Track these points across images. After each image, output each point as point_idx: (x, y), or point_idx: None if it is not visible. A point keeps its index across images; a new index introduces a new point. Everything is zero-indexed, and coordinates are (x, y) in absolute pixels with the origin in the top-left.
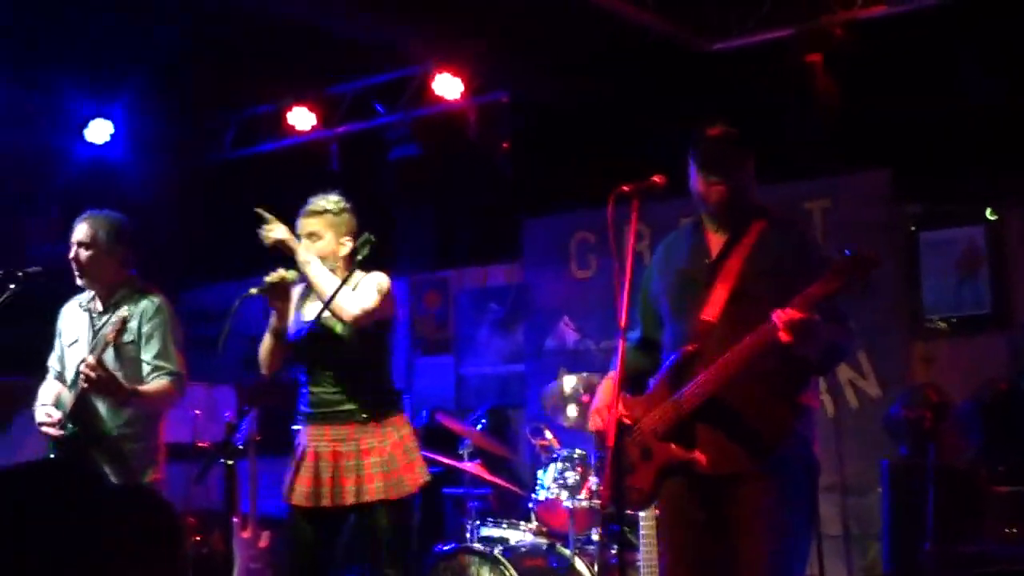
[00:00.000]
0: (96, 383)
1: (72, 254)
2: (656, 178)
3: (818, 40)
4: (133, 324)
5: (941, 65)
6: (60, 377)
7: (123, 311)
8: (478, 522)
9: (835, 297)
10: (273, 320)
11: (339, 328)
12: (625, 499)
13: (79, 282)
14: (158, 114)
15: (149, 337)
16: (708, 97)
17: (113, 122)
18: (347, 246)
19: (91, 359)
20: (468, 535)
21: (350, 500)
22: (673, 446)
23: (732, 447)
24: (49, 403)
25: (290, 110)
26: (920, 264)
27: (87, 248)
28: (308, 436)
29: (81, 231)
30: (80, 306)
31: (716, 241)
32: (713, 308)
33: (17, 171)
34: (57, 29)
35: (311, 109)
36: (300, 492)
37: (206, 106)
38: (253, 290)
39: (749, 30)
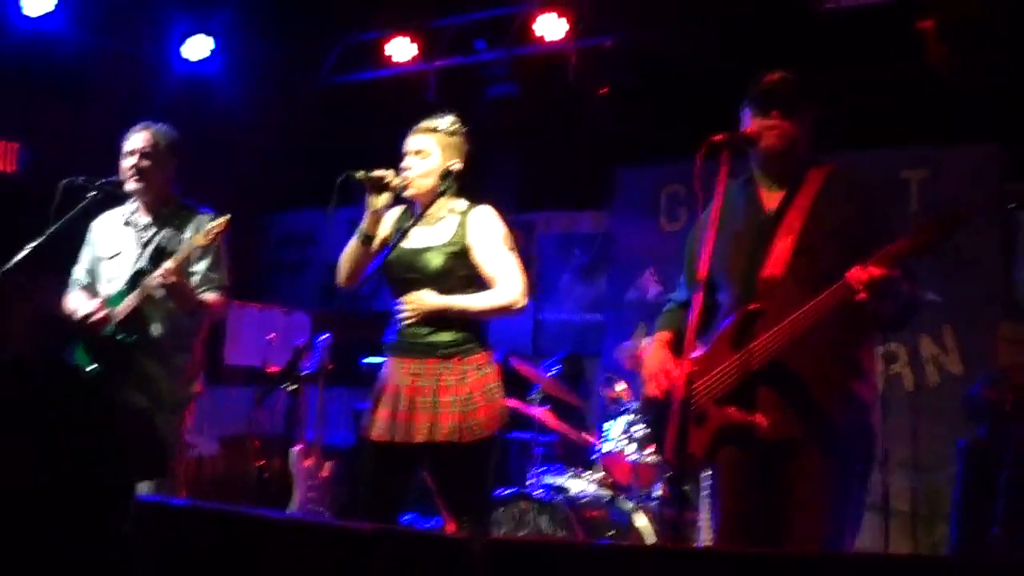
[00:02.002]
0: (174, 288)
1: (133, 162)
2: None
3: (933, 5)
4: (189, 234)
5: None
6: (88, 288)
7: (220, 220)
8: (542, 468)
9: (919, 253)
10: (364, 223)
11: (436, 261)
12: (680, 465)
13: (131, 188)
14: (258, 34)
15: (204, 250)
16: (816, 57)
17: (213, 38)
18: (456, 167)
19: (171, 265)
20: (530, 481)
21: (420, 438)
22: (733, 409)
23: (791, 411)
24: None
25: (390, 40)
26: (1016, 244)
27: (147, 158)
28: (390, 367)
29: (142, 139)
30: (121, 217)
31: (771, 197)
32: (775, 264)
33: (116, 82)
34: None
35: (412, 40)
36: (375, 424)
37: (307, 30)
38: (358, 173)
39: None
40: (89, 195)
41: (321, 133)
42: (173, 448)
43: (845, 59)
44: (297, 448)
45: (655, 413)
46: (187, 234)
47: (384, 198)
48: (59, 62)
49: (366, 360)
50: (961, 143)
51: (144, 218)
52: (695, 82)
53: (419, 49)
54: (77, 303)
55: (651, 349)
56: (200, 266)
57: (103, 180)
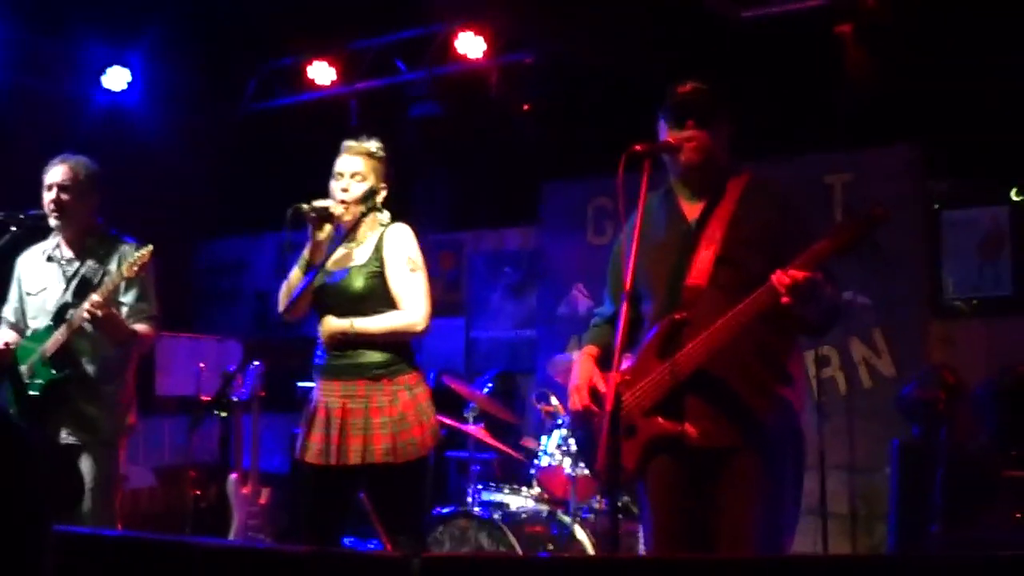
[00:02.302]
0: (103, 320)
1: (52, 196)
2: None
3: (849, 11)
4: (114, 266)
5: (973, 40)
6: (15, 326)
7: (143, 251)
8: (480, 486)
9: (839, 254)
10: (307, 253)
11: (358, 283)
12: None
13: (53, 224)
14: (177, 63)
15: (130, 281)
16: (735, 65)
17: (131, 70)
18: (383, 193)
19: (98, 298)
20: (469, 499)
21: (355, 460)
22: (661, 419)
23: (722, 419)
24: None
25: (311, 64)
26: (942, 243)
27: (66, 191)
28: (320, 390)
29: (60, 172)
30: (43, 254)
31: (692, 208)
32: (699, 274)
33: (35, 118)
34: None
35: (332, 64)
36: (309, 449)
37: (226, 57)
38: (305, 205)
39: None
40: (11, 230)
41: (246, 160)
42: (111, 482)
43: (764, 67)
44: (234, 476)
45: (581, 427)
46: (112, 266)
47: (328, 228)
48: None
49: (300, 385)
50: (881, 145)
51: (67, 252)
52: (617, 94)
53: (339, 72)
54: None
55: (577, 363)
56: (128, 297)
57: (24, 214)
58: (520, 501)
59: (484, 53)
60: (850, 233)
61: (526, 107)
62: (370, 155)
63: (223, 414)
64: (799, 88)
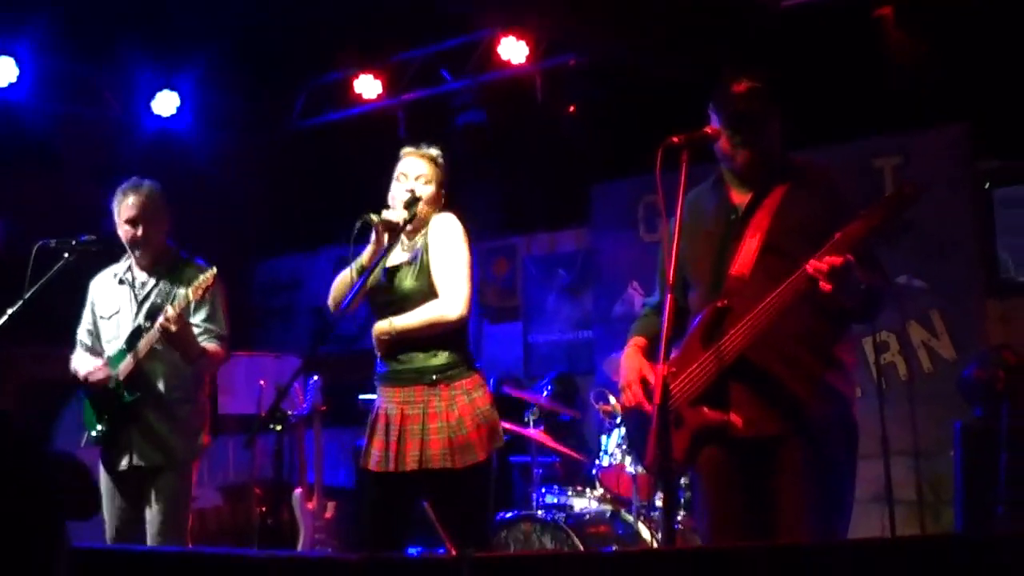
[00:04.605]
0: (177, 335)
1: (125, 230)
2: (708, 129)
3: None
4: (183, 289)
5: (1018, 17)
6: (92, 349)
7: (207, 274)
8: (543, 489)
9: (871, 237)
10: (365, 257)
11: (407, 283)
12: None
13: (134, 253)
14: (224, 85)
15: (200, 301)
16: (779, 56)
17: (180, 94)
18: (442, 199)
19: (171, 313)
20: (533, 502)
21: (412, 465)
22: (706, 409)
23: (767, 407)
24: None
25: (357, 78)
26: (995, 221)
27: (141, 222)
28: (381, 397)
29: (132, 206)
30: (115, 277)
31: (741, 197)
32: (743, 263)
33: (87, 145)
34: (120, 3)
35: (377, 77)
36: (370, 456)
37: (273, 77)
38: (374, 216)
39: None
40: (64, 256)
41: (297, 177)
42: (182, 502)
43: (807, 55)
44: (299, 491)
45: (634, 421)
46: (182, 288)
47: (388, 236)
48: (27, 131)
49: (362, 398)
50: (929, 127)
51: (139, 274)
52: (661, 91)
53: (385, 85)
54: (80, 363)
55: (625, 357)
56: (197, 317)
57: (76, 240)
58: (584, 502)
59: (527, 58)
60: (881, 213)
61: (571, 109)
62: (433, 160)
63: (278, 428)
64: (843, 74)
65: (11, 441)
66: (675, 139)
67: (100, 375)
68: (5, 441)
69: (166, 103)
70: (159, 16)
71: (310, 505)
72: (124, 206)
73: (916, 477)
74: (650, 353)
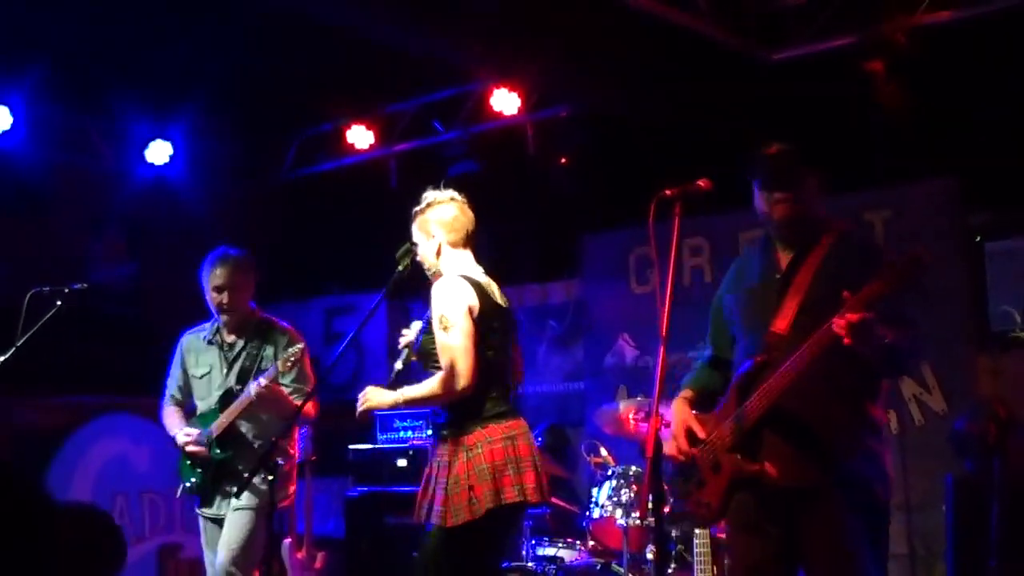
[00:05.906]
0: (271, 401)
1: (213, 296)
2: (700, 182)
3: (880, 47)
4: (269, 352)
5: (1007, 71)
6: (181, 404)
7: (296, 348)
8: (533, 541)
9: (889, 297)
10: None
11: (421, 343)
12: (694, 515)
13: (221, 318)
14: (218, 134)
15: (290, 364)
16: (770, 109)
17: (172, 143)
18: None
19: (265, 380)
20: (523, 554)
21: (422, 518)
22: (740, 457)
23: (801, 458)
24: (183, 427)
25: (349, 128)
26: (987, 275)
27: (230, 290)
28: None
29: (222, 276)
30: (204, 339)
31: (785, 257)
32: (783, 320)
33: (79, 194)
34: (115, 53)
35: (370, 127)
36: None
37: (265, 126)
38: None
39: (809, 39)
40: (56, 304)
41: (289, 226)
42: (255, 546)
43: (798, 108)
44: (287, 541)
45: (677, 470)
46: (268, 351)
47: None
48: (21, 179)
49: (352, 448)
50: (920, 179)
51: (228, 336)
52: (653, 142)
53: (377, 135)
54: (171, 422)
55: (673, 408)
56: (287, 379)
57: (68, 288)
58: (574, 554)
59: (519, 109)
60: (895, 273)
61: (563, 160)
62: (417, 214)
63: (270, 478)
64: (834, 127)
65: (12, 494)
66: (668, 192)
67: (196, 450)
68: (6, 494)
69: (159, 152)
70: (153, 66)
71: (299, 555)
72: (213, 275)
73: (908, 531)
74: (698, 405)
